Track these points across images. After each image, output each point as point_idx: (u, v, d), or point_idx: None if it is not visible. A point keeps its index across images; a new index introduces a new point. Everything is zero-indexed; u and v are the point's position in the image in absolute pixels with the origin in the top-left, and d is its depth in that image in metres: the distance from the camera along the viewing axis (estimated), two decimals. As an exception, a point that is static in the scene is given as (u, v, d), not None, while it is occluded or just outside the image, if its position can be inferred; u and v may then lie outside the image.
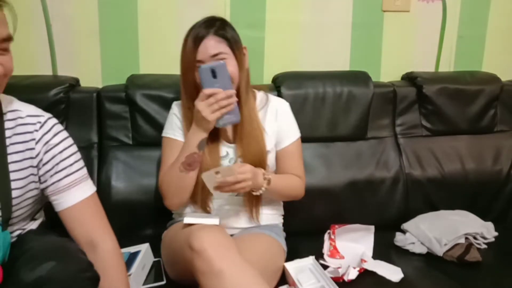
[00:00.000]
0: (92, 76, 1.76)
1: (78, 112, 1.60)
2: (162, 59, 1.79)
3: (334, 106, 1.71)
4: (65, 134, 1.13)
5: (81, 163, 1.15)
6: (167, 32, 1.78)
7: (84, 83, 1.72)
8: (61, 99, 1.55)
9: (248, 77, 1.37)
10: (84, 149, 1.58)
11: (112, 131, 1.63)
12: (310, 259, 1.37)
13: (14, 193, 1.04)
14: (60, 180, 1.10)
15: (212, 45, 1.27)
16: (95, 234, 1.10)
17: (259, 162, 1.34)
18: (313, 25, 1.89)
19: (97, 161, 1.60)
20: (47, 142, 1.08)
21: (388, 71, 1.97)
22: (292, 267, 1.33)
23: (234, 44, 1.31)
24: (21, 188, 1.06)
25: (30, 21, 1.69)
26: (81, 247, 1.05)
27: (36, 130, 1.07)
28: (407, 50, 1.99)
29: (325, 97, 1.70)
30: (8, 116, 1.06)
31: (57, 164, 1.09)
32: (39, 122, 1.08)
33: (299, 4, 1.86)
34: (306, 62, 1.89)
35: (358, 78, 1.78)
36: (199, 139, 1.24)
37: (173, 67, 1.77)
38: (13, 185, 1.04)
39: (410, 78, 1.89)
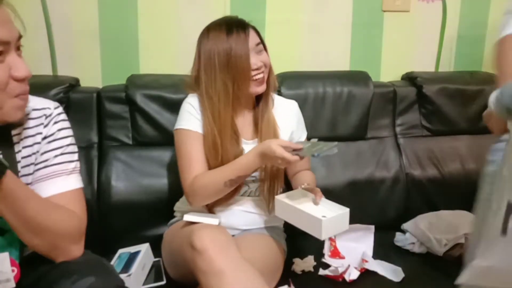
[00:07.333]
0: (92, 76, 1.76)
1: (78, 112, 1.59)
2: (162, 59, 1.79)
3: (334, 106, 1.71)
4: (66, 125, 1.09)
5: (69, 157, 1.07)
6: (167, 32, 1.78)
7: (84, 83, 1.72)
8: (61, 99, 1.55)
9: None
10: (84, 149, 1.58)
11: (112, 131, 1.63)
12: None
13: None
14: (39, 170, 1.03)
15: (254, 34, 1.34)
16: None
17: None
18: (313, 25, 1.89)
19: (97, 161, 1.60)
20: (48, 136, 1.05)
21: (388, 71, 1.98)
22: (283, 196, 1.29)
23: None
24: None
25: (30, 21, 1.69)
26: None
27: (42, 124, 1.05)
28: (407, 50, 1.99)
29: (325, 97, 1.71)
30: None
31: (42, 154, 1.03)
32: (44, 115, 1.06)
33: (299, 4, 1.86)
34: (306, 62, 1.89)
35: (358, 78, 1.78)
36: (257, 167, 1.25)
37: (173, 67, 1.78)
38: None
39: (410, 78, 1.89)
